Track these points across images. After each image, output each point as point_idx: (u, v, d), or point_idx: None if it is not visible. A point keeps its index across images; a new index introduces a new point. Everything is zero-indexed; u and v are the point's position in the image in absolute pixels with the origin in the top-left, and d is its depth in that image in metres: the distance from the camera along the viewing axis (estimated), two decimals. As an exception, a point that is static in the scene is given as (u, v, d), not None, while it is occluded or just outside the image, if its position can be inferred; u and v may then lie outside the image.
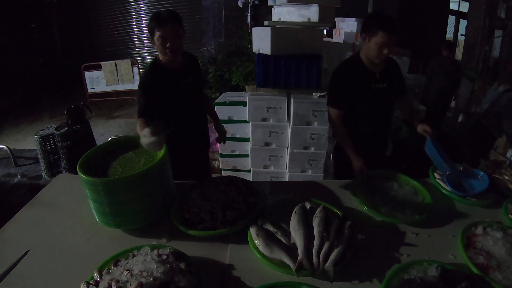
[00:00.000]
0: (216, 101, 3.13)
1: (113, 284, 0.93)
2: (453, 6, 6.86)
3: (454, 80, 3.95)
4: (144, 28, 7.12)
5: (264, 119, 2.99)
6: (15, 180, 3.78)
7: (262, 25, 3.07)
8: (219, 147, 3.27)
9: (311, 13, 2.87)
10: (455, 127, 4.17)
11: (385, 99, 1.81)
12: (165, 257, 1.05)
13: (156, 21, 1.54)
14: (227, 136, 2.20)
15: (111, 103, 6.48)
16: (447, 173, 1.57)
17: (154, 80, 1.66)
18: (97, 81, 6.14)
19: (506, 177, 1.58)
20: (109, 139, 4.07)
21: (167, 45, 1.56)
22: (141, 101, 1.65)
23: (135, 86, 5.94)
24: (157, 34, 1.55)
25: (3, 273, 1.09)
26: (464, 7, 6.22)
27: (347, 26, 3.85)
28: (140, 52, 7.43)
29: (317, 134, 2.90)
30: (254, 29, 3.06)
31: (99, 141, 4.29)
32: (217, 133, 2.11)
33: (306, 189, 1.65)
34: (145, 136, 1.28)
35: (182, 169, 1.67)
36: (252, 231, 1.19)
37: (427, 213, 1.35)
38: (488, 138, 2.93)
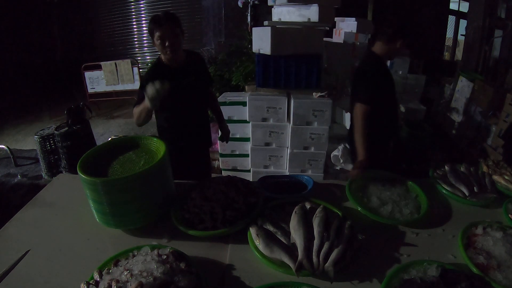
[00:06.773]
0: (216, 101, 3.14)
1: (113, 284, 0.93)
2: (453, 6, 6.84)
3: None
4: (144, 28, 7.11)
5: (264, 119, 2.99)
6: (15, 180, 3.77)
7: (262, 25, 3.07)
8: (219, 147, 3.27)
9: (311, 13, 2.87)
10: (455, 127, 4.17)
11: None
12: (165, 257, 1.05)
13: (155, 22, 1.63)
14: (227, 135, 2.21)
15: (111, 103, 6.48)
16: None
17: (156, 77, 1.68)
18: (97, 81, 6.14)
19: (506, 177, 1.58)
20: (109, 139, 4.07)
21: (166, 44, 1.64)
22: (140, 96, 1.70)
23: (135, 86, 5.93)
24: (156, 34, 1.63)
25: (3, 273, 1.09)
26: (464, 7, 6.21)
27: (347, 26, 3.84)
28: (140, 52, 7.43)
29: (317, 134, 2.90)
30: (254, 29, 3.06)
31: (99, 141, 4.29)
32: (220, 132, 2.13)
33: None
34: (154, 85, 1.45)
35: (182, 168, 1.68)
36: (252, 231, 1.19)
37: (425, 210, 1.35)
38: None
